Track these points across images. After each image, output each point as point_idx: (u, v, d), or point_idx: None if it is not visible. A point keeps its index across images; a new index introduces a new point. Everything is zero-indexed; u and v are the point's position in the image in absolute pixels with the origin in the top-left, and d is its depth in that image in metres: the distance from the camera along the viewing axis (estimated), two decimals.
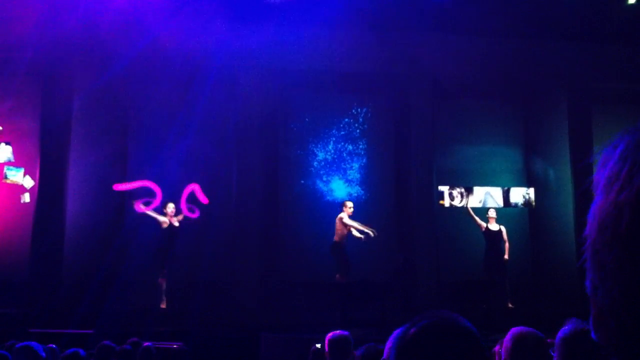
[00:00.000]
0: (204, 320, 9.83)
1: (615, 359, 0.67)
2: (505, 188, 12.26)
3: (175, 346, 7.80)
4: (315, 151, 12.10)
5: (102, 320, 9.22)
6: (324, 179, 12.00)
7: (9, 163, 10.87)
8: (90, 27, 10.10)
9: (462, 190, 11.88)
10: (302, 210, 11.83)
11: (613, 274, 0.65)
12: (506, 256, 11.06)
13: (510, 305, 10.88)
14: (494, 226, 11.24)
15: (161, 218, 10.57)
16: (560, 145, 11.96)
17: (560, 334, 2.27)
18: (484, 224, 11.25)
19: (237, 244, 10.88)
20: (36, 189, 10.74)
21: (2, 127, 10.94)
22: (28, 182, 10.83)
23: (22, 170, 10.83)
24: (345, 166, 12.08)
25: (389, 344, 1.25)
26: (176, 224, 10.65)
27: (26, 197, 10.74)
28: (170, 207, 10.62)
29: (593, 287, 0.70)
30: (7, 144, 10.92)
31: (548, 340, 2.55)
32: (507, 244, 11.12)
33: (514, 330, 2.53)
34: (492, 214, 11.36)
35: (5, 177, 10.80)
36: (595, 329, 0.71)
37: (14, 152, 10.97)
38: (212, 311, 10.24)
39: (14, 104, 10.91)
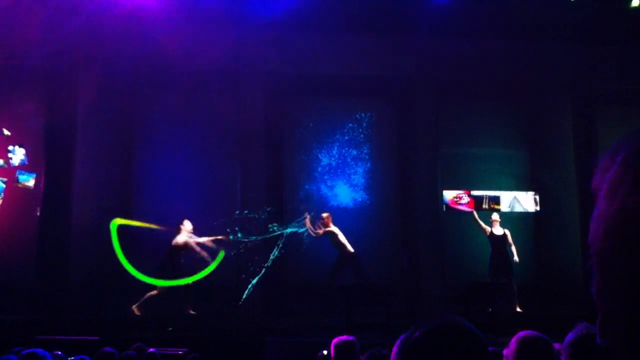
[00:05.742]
0: (209, 325, 9.82)
1: None
2: (533, 192, 12.24)
3: (180, 352, 7.80)
4: (320, 156, 12.09)
5: (108, 326, 9.22)
6: (328, 184, 11.98)
7: (22, 167, 10.88)
8: (94, 33, 10.14)
9: (487, 194, 11.86)
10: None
11: (621, 278, 0.66)
12: (516, 258, 11.01)
13: (518, 309, 10.82)
14: (498, 230, 11.18)
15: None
16: (565, 148, 11.92)
17: (568, 337, 2.25)
18: (488, 228, 11.18)
19: (241, 248, 10.87)
20: (42, 194, 10.76)
21: (10, 132, 10.97)
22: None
23: (34, 176, 10.83)
24: (349, 171, 12.06)
25: (395, 349, 1.24)
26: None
27: None
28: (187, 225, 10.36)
29: (599, 292, 0.70)
30: (20, 146, 10.94)
31: (554, 344, 2.54)
32: (513, 247, 11.07)
33: (519, 334, 2.52)
34: (495, 217, 11.30)
35: (17, 181, 10.81)
36: (601, 334, 0.71)
37: None
38: (217, 316, 10.22)
39: (19, 110, 10.95)
